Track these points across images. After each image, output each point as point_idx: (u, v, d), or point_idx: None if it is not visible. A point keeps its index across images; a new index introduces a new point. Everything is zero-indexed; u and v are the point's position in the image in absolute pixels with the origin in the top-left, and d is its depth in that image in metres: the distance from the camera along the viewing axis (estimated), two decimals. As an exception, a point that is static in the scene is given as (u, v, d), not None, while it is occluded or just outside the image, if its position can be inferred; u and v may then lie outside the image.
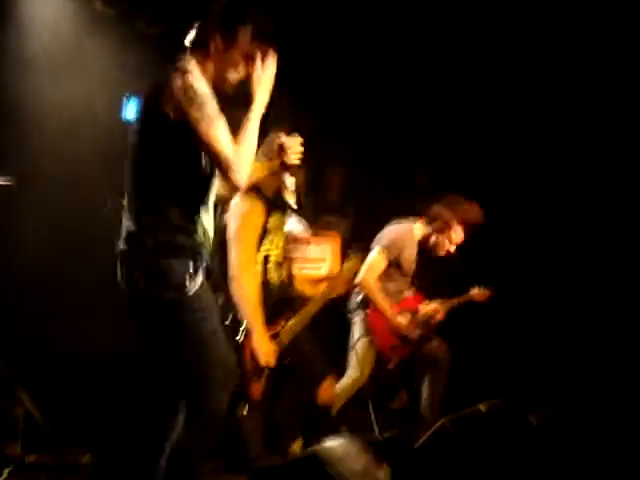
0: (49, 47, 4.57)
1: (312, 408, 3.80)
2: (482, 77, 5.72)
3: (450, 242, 4.61)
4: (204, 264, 2.76)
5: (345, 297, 4.66)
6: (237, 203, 3.63)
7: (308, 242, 4.76)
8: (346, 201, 5.84)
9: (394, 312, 4.58)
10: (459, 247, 4.68)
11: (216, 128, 2.62)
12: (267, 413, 3.99)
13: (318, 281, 4.19)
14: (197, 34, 2.80)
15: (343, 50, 5.60)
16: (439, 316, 4.71)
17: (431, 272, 4.74)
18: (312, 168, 4.34)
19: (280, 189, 3.74)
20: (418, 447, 3.13)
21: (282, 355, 3.70)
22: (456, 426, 3.04)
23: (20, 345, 4.27)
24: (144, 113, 2.73)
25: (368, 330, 4.58)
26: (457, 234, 4.61)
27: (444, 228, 4.59)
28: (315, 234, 4.93)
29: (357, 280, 4.47)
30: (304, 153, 3.75)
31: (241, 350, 3.54)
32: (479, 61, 5.66)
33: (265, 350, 3.56)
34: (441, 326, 4.82)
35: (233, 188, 2.78)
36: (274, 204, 3.74)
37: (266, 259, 3.71)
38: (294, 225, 4.69)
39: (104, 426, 4.19)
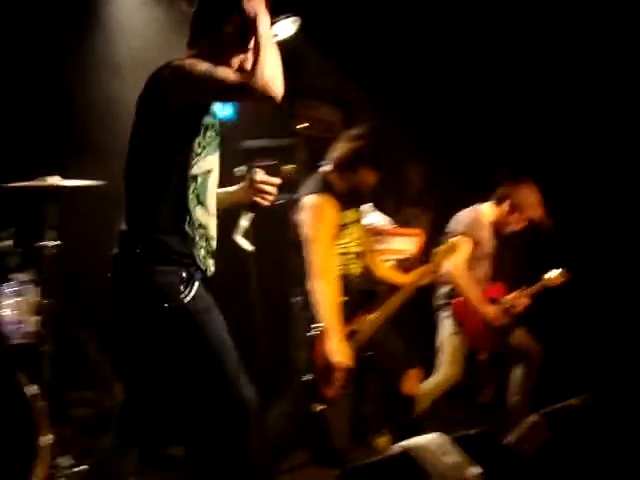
0: (137, 52, 4.65)
1: (396, 400, 3.81)
2: (564, 68, 5.62)
3: (518, 222, 4.57)
4: (201, 267, 2.66)
5: (431, 291, 4.65)
6: (310, 201, 3.66)
7: (392, 234, 4.79)
8: (426, 196, 5.82)
9: (482, 300, 4.51)
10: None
11: (218, 69, 2.53)
12: (352, 407, 4.02)
13: (408, 269, 4.17)
14: (191, 32, 2.74)
15: (419, 47, 5.60)
16: (521, 306, 4.60)
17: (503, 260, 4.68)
18: (392, 164, 4.33)
19: (355, 185, 3.77)
20: (509, 444, 3.09)
21: (364, 348, 3.72)
22: (550, 421, 2.99)
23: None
24: (138, 109, 2.66)
25: (458, 324, 4.52)
26: (523, 216, 4.55)
27: (513, 209, 4.54)
28: (399, 227, 4.98)
29: (445, 270, 4.38)
30: (377, 155, 3.77)
31: (312, 346, 3.57)
32: (556, 53, 5.57)
33: (338, 351, 3.55)
34: (526, 317, 4.73)
35: (265, 101, 2.51)
36: (348, 199, 3.76)
37: (345, 253, 3.74)
38: (377, 218, 4.81)
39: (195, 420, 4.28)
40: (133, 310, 2.63)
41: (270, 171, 4.66)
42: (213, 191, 2.71)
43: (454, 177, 5.58)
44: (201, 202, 2.65)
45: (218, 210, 2.80)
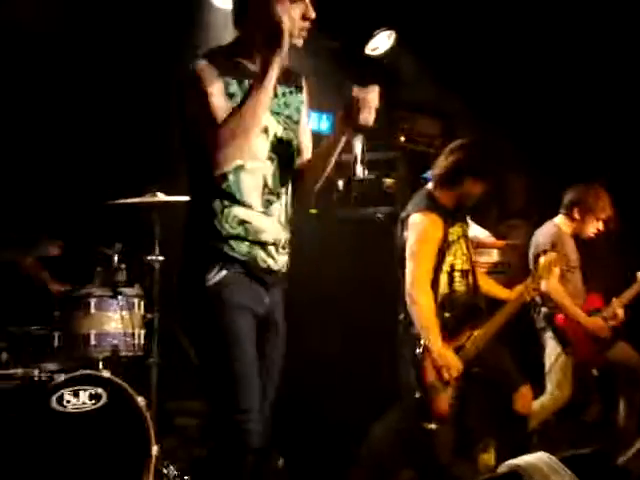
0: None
1: (506, 417, 3.76)
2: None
3: (593, 226, 4.52)
4: (240, 260, 2.50)
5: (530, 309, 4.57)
6: (416, 220, 3.67)
7: (493, 246, 4.78)
8: (529, 206, 5.71)
9: (583, 313, 4.45)
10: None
11: (211, 97, 2.41)
12: (457, 422, 3.97)
13: (510, 282, 4.11)
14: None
15: (518, 56, 5.49)
16: (622, 313, 4.50)
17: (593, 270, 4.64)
18: (495, 175, 4.26)
19: (461, 198, 3.75)
20: (621, 465, 2.97)
21: (470, 364, 3.70)
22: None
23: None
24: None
25: (564, 342, 4.44)
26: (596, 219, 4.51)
27: (584, 214, 4.50)
28: (500, 239, 4.94)
29: (544, 288, 4.29)
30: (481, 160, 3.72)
31: (420, 365, 3.58)
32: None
33: (445, 364, 3.55)
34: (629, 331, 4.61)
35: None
36: (454, 216, 3.75)
37: (451, 270, 3.72)
38: (479, 230, 4.77)
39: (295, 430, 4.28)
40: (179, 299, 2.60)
41: (370, 185, 4.73)
42: (255, 185, 2.53)
43: (559, 185, 5.42)
44: (238, 201, 2.51)
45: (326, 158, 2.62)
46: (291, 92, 2.65)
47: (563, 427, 4.61)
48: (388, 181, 4.57)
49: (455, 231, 3.75)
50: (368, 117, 2.47)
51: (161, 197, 3.92)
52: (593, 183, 4.58)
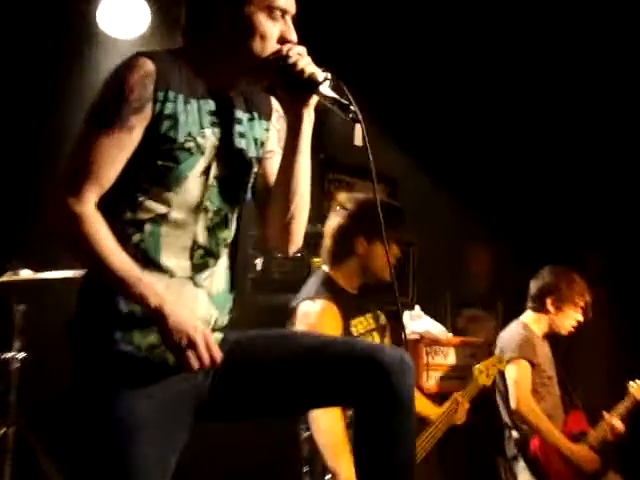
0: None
1: None
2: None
3: (573, 317, 3.97)
4: (151, 360, 1.86)
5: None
6: (303, 309, 2.97)
7: (449, 344, 4.15)
8: (493, 291, 5.20)
9: (564, 439, 3.76)
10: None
11: (95, 133, 1.82)
12: None
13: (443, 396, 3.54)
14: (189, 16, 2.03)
15: (479, 123, 5.09)
16: (615, 436, 3.85)
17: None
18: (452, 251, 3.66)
19: (363, 275, 3.06)
20: None
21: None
22: None
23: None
24: None
25: (539, 474, 3.74)
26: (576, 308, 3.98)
27: (560, 305, 3.95)
28: (457, 335, 4.37)
29: (514, 406, 3.72)
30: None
31: None
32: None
33: None
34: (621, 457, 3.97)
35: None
36: (359, 301, 3.07)
37: None
38: (431, 324, 4.18)
39: None
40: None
41: (296, 265, 4.04)
42: (180, 242, 1.91)
43: (532, 266, 4.62)
44: (152, 262, 1.87)
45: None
46: (250, 119, 2.06)
47: None
48: (317, 260, 3.87)
49: (362, 322, 3.03)
50: (306, 64, 1.96)
51: (25, 275, 3.36)
52: (563, 267, 4.02)
